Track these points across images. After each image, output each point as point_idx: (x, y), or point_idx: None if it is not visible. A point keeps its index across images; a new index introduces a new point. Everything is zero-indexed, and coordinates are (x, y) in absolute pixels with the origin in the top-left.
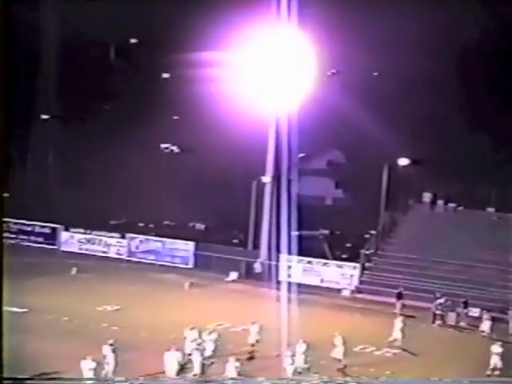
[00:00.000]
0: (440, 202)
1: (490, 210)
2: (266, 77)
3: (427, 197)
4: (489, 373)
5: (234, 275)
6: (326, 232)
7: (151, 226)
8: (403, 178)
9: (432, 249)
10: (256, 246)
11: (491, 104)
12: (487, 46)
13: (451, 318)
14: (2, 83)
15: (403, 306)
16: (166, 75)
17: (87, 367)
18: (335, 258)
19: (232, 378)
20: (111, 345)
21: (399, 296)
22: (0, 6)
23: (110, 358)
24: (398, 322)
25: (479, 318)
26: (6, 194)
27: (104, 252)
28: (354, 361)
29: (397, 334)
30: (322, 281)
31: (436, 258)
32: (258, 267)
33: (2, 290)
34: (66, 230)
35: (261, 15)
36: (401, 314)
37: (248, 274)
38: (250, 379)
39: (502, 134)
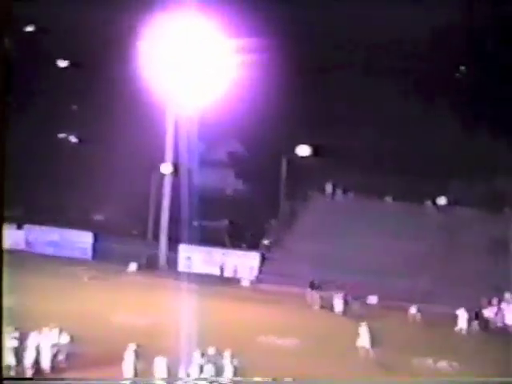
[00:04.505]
0: (339, 192)
1: (388, 198)
2: (166, 66)
3: (327, 186)
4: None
5: (133, 266)
6: (226, 222)
7: (50, 216)
8: (303, 168)
9: (332, 238)
10: (156, 236)
11: (388, 90)
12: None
13: (338, 304)
14: None
15: (321, 298)
16: (64, 63)
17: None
18: (235, 248)
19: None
20: None
21: (312, 285)
22: None
23: None
24: None
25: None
26: None
27: None
28: (257, 351)
29: None
30: (222, 271)
31: (336, 247)
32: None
33: (1, 291)
34: None
35: (166, 4)
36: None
37: (148, 265)
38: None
39: (398, 122)
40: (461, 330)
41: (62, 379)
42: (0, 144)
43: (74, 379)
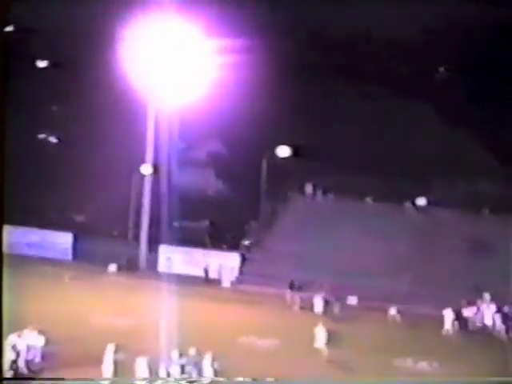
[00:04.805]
0: (319, 193)
1: (368, 199)
2: (147, 66)
3: (307, 187)
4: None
5: (113, 267)
6: (207, 223)
7: (30, 217)
8: (283, 168)
9: (312, 239)
10: (136, 237)
11: (370, 91)
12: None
13: (318, 305)
14: None
15: (301, 298)
16: (43, 64)
17: None
18: (216, 249)
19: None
20: None
21: (292, 286)
22: None
23: None
24: None
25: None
26: None
27: None
28: (237, 351)
29: None
30: (206, 273)
31: (316, 248)
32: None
33: (1, 290)
34: None
35: (146, 4)
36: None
37: (128, 266)
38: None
39: (379, 123)
40: (447, 330)
41: (62, 379)
42: (0, 144)
43: (75, 380)
